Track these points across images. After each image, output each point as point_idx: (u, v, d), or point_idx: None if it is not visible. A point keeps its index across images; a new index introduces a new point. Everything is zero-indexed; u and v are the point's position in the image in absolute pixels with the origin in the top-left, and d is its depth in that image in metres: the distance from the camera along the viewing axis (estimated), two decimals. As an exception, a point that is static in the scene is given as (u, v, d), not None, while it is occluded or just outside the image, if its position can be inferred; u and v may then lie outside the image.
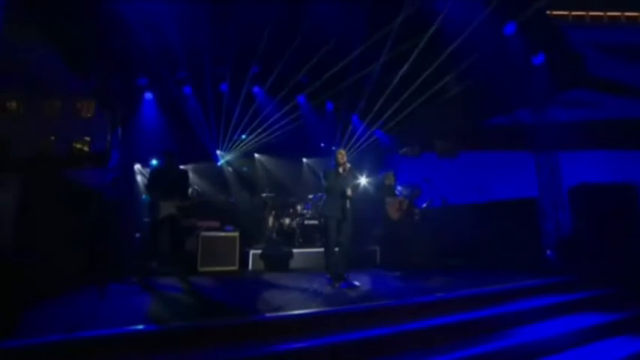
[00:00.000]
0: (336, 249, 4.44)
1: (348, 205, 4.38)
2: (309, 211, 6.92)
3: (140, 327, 2.41)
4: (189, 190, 6.91)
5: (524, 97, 7.14)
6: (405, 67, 7.22)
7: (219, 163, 8.86)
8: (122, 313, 2.90)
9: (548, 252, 5.72)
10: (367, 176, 10.01)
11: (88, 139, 21.45)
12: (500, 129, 8.73)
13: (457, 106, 8.48)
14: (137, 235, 5.85)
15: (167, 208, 4.38)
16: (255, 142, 9.01)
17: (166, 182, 4.47)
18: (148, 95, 8.39)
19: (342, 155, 4.53)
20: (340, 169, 4.48)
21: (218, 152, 8.83)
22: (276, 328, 2.71)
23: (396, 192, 6.21)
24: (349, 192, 4.38)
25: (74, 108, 21.10)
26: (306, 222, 6.73)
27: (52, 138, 21.41)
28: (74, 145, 21.83)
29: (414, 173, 7.72)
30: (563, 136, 7.65)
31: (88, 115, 21.23)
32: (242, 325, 2.71)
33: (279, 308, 2.99)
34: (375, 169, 10.24)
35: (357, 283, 4.21)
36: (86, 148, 22.17)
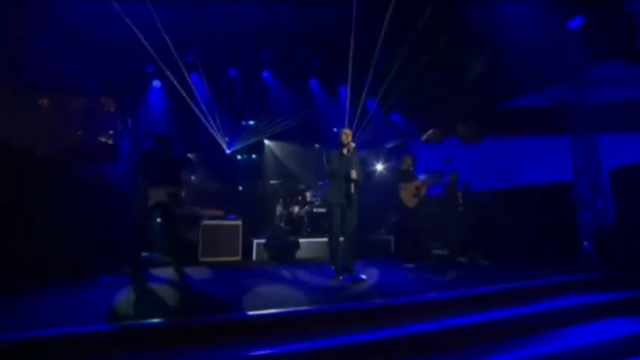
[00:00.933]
0: (341, 239, 4.03)
1: (352, 190, 3.93)
2: (319, 199, 6.54)
3: (94, 326, 2.12)
4: (192, 178, 6.76)
5: (558, 72, 6.39)
6: (426, 45, 6.68)
7: (228, 151, 8.63)
8: (87, 309, 2.63)
9: (585, 243, 5.08)
10: (384, 162, 9.54)
11: (112, 132, 22.18)
12: (530, 111, 7.93)
13: (482, 85, 7.83)
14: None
15: (157, 195, 4.09)
16: (266, 128, 8.72)
17: (155, 167, 4.17)
18: (156, 83, 8.25)
19: (346, 135, 4.04)
20: (344, 150, 4.00)
21: (227, 140, 8.59)
22: (257, 329, 2.35)
23: (416, 177, 5.72)
24: (354, 175, 3.89)
25: (98, 103, 21.78)
26: (315, 210, 6.36)
27: (80, 133, 22.33)
28: (100, 138, 22.68)
29: (434, 160, 7.14)
30: (603, 116, 6.84)
31: (111, 109, 21.89)
32: (215, 324, 2.36)
33: (266, 305, 2.63)
34: (392, 155, 9.72)
35: (363, 276, 3.80)
36: (110, 141, 22.99)
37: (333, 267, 3.98)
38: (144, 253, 4.37)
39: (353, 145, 4.02)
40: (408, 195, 5.55)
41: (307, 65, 7.97)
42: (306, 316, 2.56)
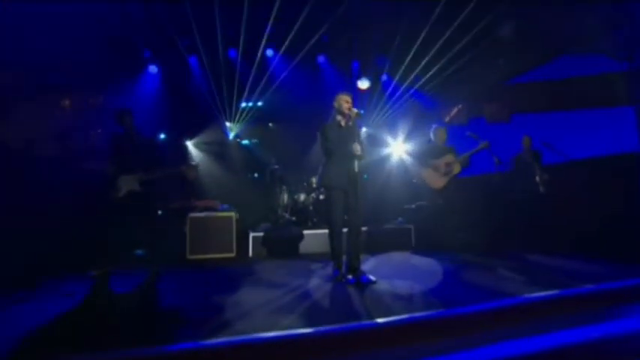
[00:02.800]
0: (345, 230, 3.22)
1: (356, 168, 3.08)
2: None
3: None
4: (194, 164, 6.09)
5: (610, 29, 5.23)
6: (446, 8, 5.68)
7: (229, 137, 7.92)
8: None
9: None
10: (402, 143, 8.57)
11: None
12: (573, 81, 6.72)
13: (513, 51, 6.76)
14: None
15: (127, 183, 3.41)
16: (269, 110, 7.95)
17: (127, 150, 3.48)
18: (153, 68, 7.60)
19: (346, 101, 3.21)
20: (342, 122, 3.22)
21: (228, 124, 7.87)
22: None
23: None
24: (357, 149, 3.05)
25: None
26: (321, 197, 5.54)
27: (99, 131, 22.55)
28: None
29: (459, 140, 6.11)
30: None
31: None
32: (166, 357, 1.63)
33: (244, 328, 1.87)
34: (411, 136, 8.75)
35: (372, 277, 2.98)
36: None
37: (335, 266, 3.18)
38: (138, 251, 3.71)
39: (356, 111, 3.15)
40: (433, 174, 4.67)
41: (315, 40, 7.14)
42: (296, 341, 1.77)
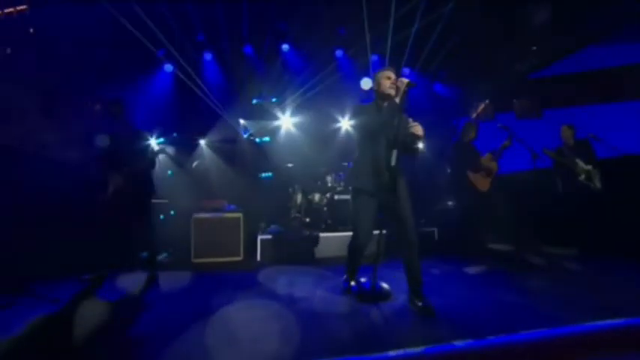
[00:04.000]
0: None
1: (393, 161, 2.20)
2: (342, 183, 5.32)
3: None
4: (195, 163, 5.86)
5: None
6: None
7: (245, 136, 7.67)
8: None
9: None
10: (424, 140, 8.06)
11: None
12: (611, 72, 6.02)
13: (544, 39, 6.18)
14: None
15: (114, 180, 3.13)
16: (286, 106, 7.65)
17: (116, 144, 3.20)
18: (168, 67, 7.48)
19: (387, 77, 2.41)
20: (398, 83, 2.27)
21: (242, 122, 7.62)
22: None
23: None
24: (418, 130, 2.23)
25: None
26: (336, 197, 5.13)
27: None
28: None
29: (487, 139, 5.57)
30: None
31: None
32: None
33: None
34: (433, 132, 8.21)
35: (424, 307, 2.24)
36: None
37: (345, 274, 2.74)
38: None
39: (407, 80, 2.23)
40: (478, 176, 4.25)
41: (332, 33, 6.81)
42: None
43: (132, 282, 3.18)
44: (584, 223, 4.06)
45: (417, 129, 2.22)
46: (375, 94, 2.52)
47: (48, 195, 3.35)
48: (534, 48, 6.69)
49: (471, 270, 3.48)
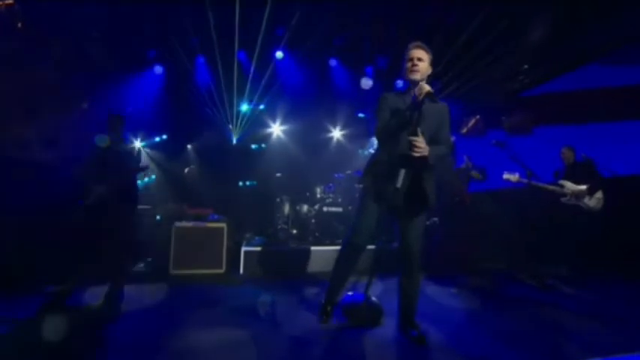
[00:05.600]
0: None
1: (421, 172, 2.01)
2: (331, 195, 5.16)
3: None
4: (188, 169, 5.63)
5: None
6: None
7: (234, 142, 7.48)
8: None
9: None
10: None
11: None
12: (605, 91, 6.08)
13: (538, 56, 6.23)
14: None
15: (97, 191, 2.93)
16: (276, 114, 7.52)
17: (103, 157, 3.02)
18: (158, 69, 7.29)
19: (409, 58, 2.10)
20: (416, 91, 1.95)
21: (231, 127, 7.45)
22: None
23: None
24: (419, 142, 1.91)
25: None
26: (325, 209, 4.97)
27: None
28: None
29: (477, 155, 5.52)
30: None
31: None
32: None
33: None
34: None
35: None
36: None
37: (324, 296, 2.36)
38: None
39: (427, 88, 1.91)
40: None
41: (327, 43, 6.75)
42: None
43: (98, 296, 2.94)
44: (571, 241, 4.02)
45: (416, 142, 1.90)
46: (406, 75, 2.15)
47: (13, 197, 3.11)
48: (526, 67, 6.75)
49: (463, 291, 3.34)
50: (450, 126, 2.15)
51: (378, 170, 2.10)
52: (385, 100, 2.16)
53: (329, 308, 2.32)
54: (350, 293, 2.53)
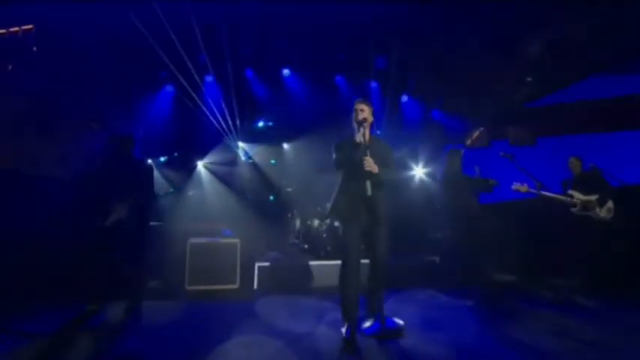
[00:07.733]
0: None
1: (369, 191, 2.36)
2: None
3: None
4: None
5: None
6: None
7: (243, 158, 7.61)
8: None
9: None
10: (424, 166, 8.05)
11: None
12: (608, 101, 6.15)
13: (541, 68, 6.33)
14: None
15: (117, 211, 3.03)
16: (284, 130, 7.66)
17: (117, 176, 3.14)
18: (169, 88, 7.52)
19: (361, 110, 2.59)
20: (359, 136, 2.50)
21: (240, 144, 7.59)
22: None
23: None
24: (369, 163, 2.38)
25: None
26: (336, 223, 5.03)
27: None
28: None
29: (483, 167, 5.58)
30: None
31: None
32: None
33: None
34: (433, 159, 8.22)
35: (399, 321, 2.43)
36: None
37: (345, 323, 2.39)
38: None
39: (370, 119, 2.57)
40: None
41: (333, 59, 6.91)
42: None
43: (119, 315, 2.99)
44: (583, 253, 3.98)
45: (367, 163, 2.39)
46: (353, 123, 2.67)
47: (35, 218, 3.21)
48: (529, 79, 6.85)
49: (475, 304, 3.35)
50: (393, 159, 2.69)
51: (345, 199, 2.53)
52: (342, 144, 2.66)
53: (353, 329, 2.33)
54: (367, 324, 2.52)
